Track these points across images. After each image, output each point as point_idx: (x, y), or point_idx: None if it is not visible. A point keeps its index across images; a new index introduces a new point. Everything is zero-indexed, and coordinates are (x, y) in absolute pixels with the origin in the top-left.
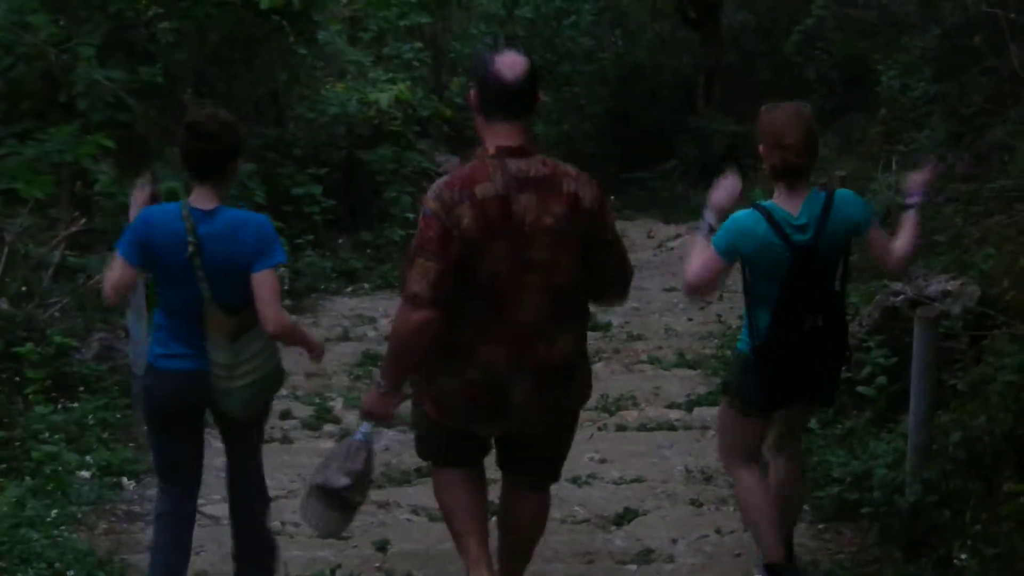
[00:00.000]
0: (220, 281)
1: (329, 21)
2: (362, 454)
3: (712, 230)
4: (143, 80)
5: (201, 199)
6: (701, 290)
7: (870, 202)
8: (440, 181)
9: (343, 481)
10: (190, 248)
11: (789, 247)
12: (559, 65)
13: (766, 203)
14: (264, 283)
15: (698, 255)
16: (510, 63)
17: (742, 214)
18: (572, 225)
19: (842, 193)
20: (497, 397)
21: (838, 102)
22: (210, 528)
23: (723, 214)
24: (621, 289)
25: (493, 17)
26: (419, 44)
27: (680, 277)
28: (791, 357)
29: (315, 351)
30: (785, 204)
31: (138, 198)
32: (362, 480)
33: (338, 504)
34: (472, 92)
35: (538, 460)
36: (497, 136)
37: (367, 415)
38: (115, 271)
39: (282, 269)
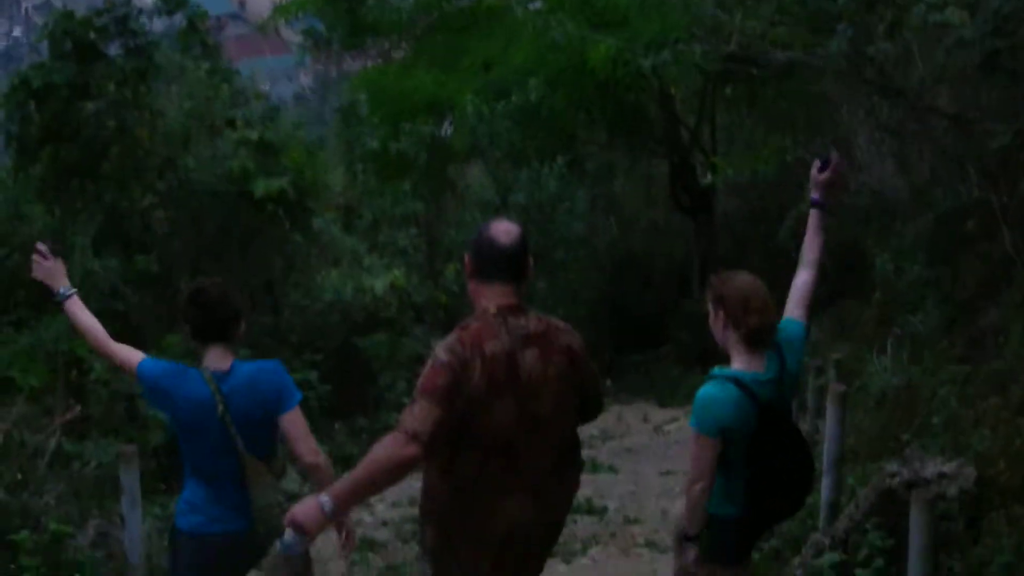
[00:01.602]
0: (250, 433)
1: (324, 209)
2: (285, 567)
3: (817, 203)
4: (138, 269)
5: (216, 360)
6: (711, 481)
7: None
8: (451, 337)
9: None
10: (220, 408)
11: (757, 408)
12: (553, 251)
13: (727, 371)
14: (294, 422)
15: (692, 455)
16: (505, 229)
17: (712, 389)
18: (570, 374)
19: (784, 335)
20: (521, 551)
21: (832, 287)
22: None
23: (824, 188)
24: (595, 414)
25: (487, 204)
26: (414, 231)
27: (679, 469)
28: (773, 499)
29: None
30: (748, 365)
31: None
32: None
33: None
34: (467, 258)
35: None
36: (495, 296)
37: (296, 527)
38: (131, 362)
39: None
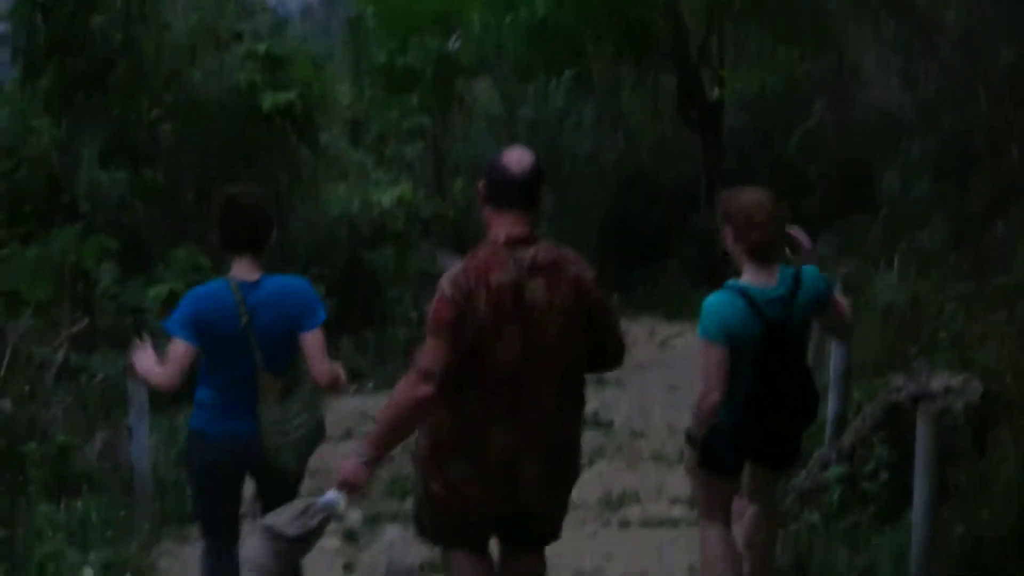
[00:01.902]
0: (270, 347)
1: (331, 123)
2: (320, 516)
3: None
4: (145, 182)
5: (244, 271)
6: (723, 389)
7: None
8: (456, 268)
9: (292, 531)
10: (243, 319)
11: (763, 323)
12: (560, 166)
13: (737, 283)
14: (314, 342)
15: (703, 371)
16: (518, 158)
17: (718, 298)
18: (577, 306)
19: (809, 271)
20: (511, 479)
21: (838, 203)
22: None
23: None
24: (617, 360)
25: (494, 118)
26: (421, 145)
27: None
28: (765, 429)
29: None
30: (758, 280)
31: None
32: (309, 538)
33: (279, 550)
34: (481, 185)
35: (541, 532)
36: (505, 225)
37: (343, 485)
38: (176, 352)
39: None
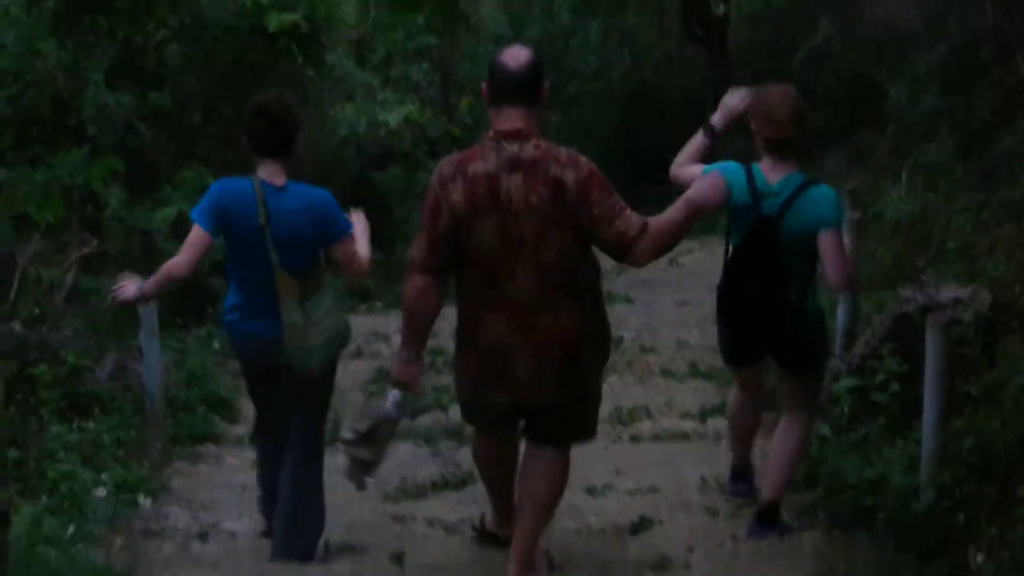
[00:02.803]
0: (288, 251)
1: (337, 44)
2: (373, 418)
3: (713, 130)
4: (152, 104)
5: (270, 174)
6: (680, 179)
7: (843, 211)
8: (444, 160)
9: (347, 436)
10: (261, 218)
11: (755, 210)
12: (567, 84)
13: (753, 165)
14: (345, 252)
15: (687, 162)
16: (515, 54)
17: (731, 164)
18: (555, 206)
19: (823, 189)
20: (502, 367)
21: (846, 118)
22: (226, 544)
23: (729, 120)
24: (621, 251)
25: (500, 37)
26: (427, 65)
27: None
28: (737, 310)
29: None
30: (766, 172)
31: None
32: (368, 440)
33: (347, 456)
34: (483, 85)
35: (555, 427)
36: (500, 121)
37: (396, 383)
38: (193, 237)
39: None
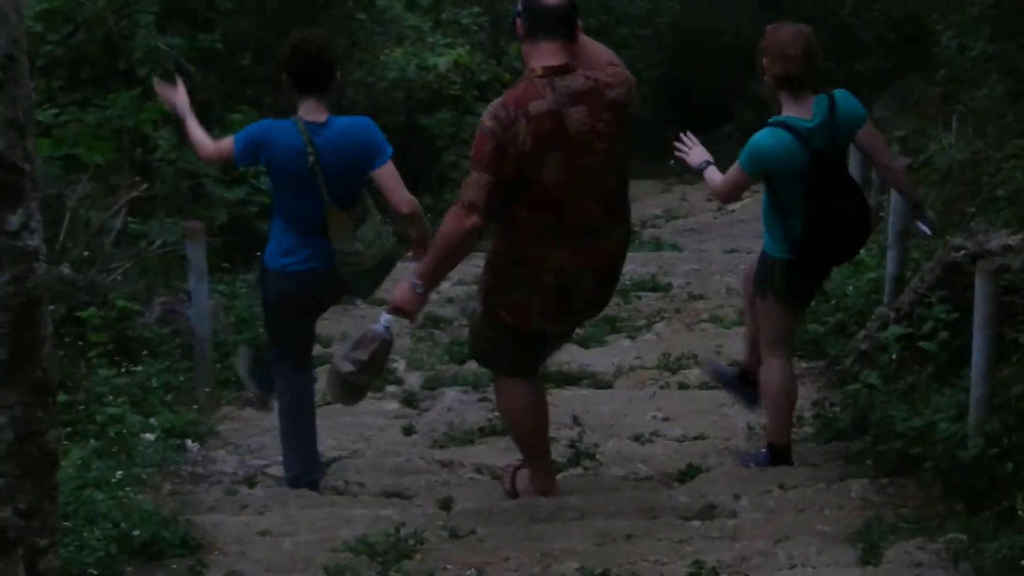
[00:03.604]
0: (337, 184)
1: None
2: (372, 346)
3: (710, 163)
4: (202, 47)
5: (311, 111)
6: (730, 201)
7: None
8: (496, 102)
9: (347, 368)
10: (311, 158)
11: (809, 153)
12: (616, 28)
13: (780, 117)
14: (387, 175)
15: (726, 176)
16: None
17: (762, 135)
18: (619, 127)
19: (841, 93)
20: (568, 296)
21: (896, 63)
22: (272, 488)
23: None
24: None
25: None
26: (477, 9)
27: (743, 247)
28: (830, 243)
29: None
30: (795, 112)
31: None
32: (368, 367)
33: (345, 384)
34: (517, 22)
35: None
36: (543, 57)
37: (395, 311)
38: (225, 144)
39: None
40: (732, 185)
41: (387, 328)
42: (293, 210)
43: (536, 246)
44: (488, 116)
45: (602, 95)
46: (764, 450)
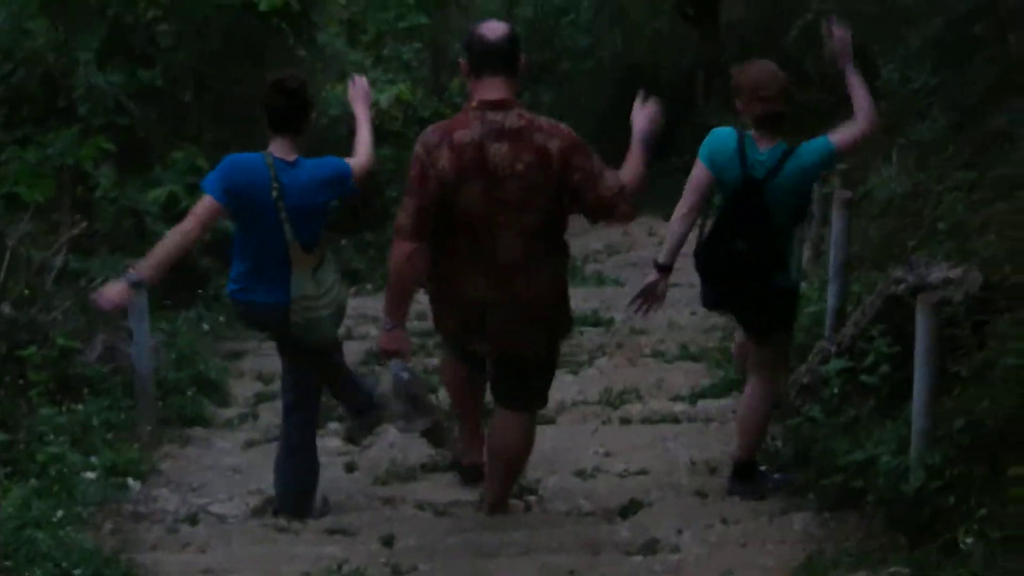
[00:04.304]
0: (300, 222)
1: (328, 22)
2: (403, 391)
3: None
4: (143, 83)
5: (282, 150)
6: (692, 200)
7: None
8: (428, 128)
9: (401, 425)
10: (274, 192)
11: (743, 175)
12: (558, 63)
13: (746, 132)
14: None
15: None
16: (492, 27)
17: (722, 129)
18: (541, 172)
19: (806, 145)
20: (480, 321)
21: (838, 95)
22: (215, 526)
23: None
24: (611, 213)
25: (492, 16)
26: (418, 45)
27: (684, 282)
28: (718, 264)
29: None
30: (757, 141)
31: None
32: (414, 411)
33: (422, 434)
34: (462, 61)
35: (522, 387)
36: (482, 91)
37: (385, 354)
38: (202, 207)
39: None
40: (690, 180)
41: (403, 370)
42: (254, 245)
43: (456, 270)
44: (418, 142)
45: (529, 137)
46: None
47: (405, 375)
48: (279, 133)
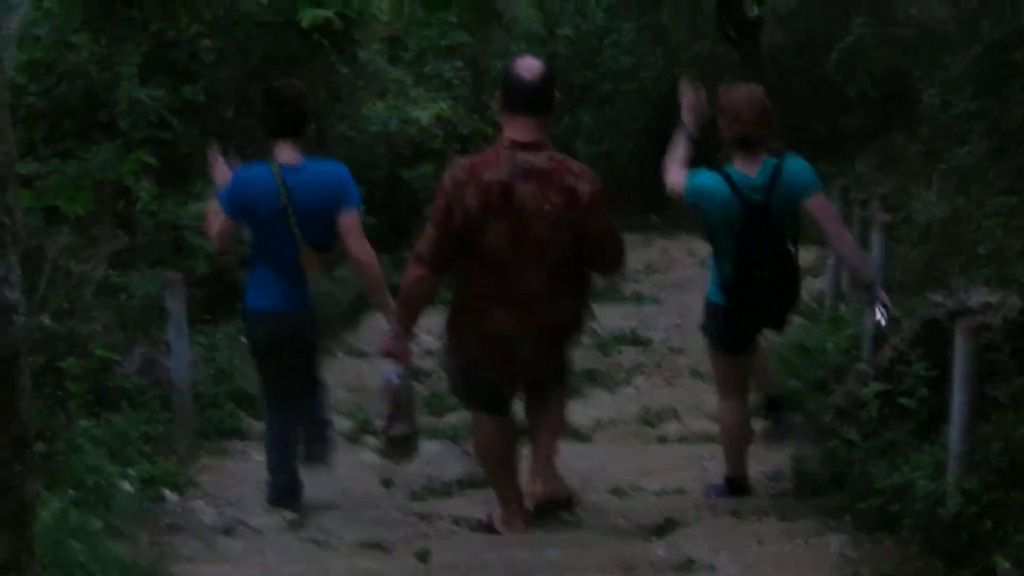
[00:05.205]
0: (309, 225)
1: (370, 40)
2: (388, 395)
3: (689, 133)
4: (184, 98)
5: (286, 156)
6: (672, 187)
7: (815, 175)
8: (458, 163)
9: (380, 423)
10: (283, 199)
11: (744, 206)
12: (600, 84)
13: (728, 169)
14: (349, 221)
15: (677, 171)
16: (528, 65)
17: (705, 175)
18: (568, 213)
19: (792, 160)
20: (508, 352)
21: (878, 120)
22: (251, 539)
23: (696, 120)
24: (613, 264)
25: (534, 36)
26: (459, 63)
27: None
28: (749, 301)
29: (388, 313)
30: (743, 169)
31: (216, 164)
32: (396, 416)
33: (388, 442)
34: (497, 94)
35: (549, 383)
36: (514, 130)
37: (388, 355)
38: (218, 223)
39: None
40: (676, 183)
41: (398, 376)
42: (268, 251)
43: (481, 303)
44: (446, 176)
45: (559, 178)
46: (722, 482)
47: (397, 380)
48: (279, 139)
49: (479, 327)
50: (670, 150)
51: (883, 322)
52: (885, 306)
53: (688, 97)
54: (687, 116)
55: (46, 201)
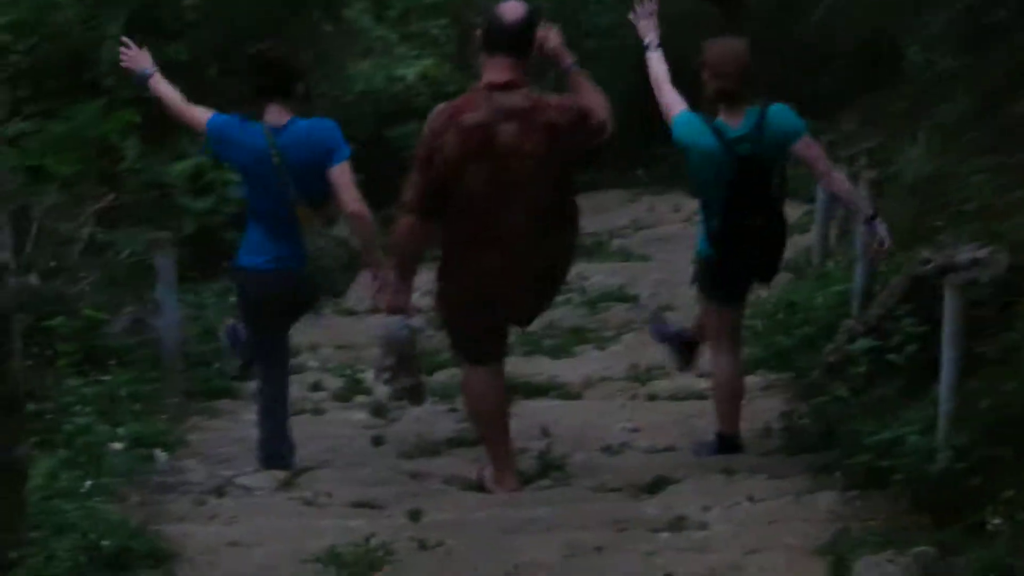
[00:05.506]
0: (303, 181)
1: None
2: (391, 347)
3: (655, 45)
4: (168, 58)
5: (274, 116)
6: (664, 99)
7: (801, 118)
8: (436, 108)
9: (383, 376)
10: (275, 159)
11: (733, 157)
12: (583, 41)
13: (716, 122)
14: (341, 174)
15: (670, 91)
16: (512, 7)
17: (696, 122)
18: (549, 150)
19: (776, 107)
20: (499, 294)
21: (862, 78)
22: (242, 499)
23: (653, 28)
24: (602, 133)
25: None
26: (445, 20)
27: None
28: (740, 250)
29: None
30: (726, 119)
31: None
32: (399, 368)
33: (395, 391)
34: (477, 32)
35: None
36: (492, 71)
37: (390, 310)
38: (199, 114)
39: None
40: (674, 104)
41: (400, 328)
42: (263, 210)
43: (468, 246)
44: (428, 121)
45: (538, 116)
46: (713, 439)
47: (403, 332)
48: (266, 100)
49: (468, 270)
50: (651, 75)
51: (886, 243)
52: (883, 233)
53: (642, 8)
54: (646, 22)
55: (32, 161)
